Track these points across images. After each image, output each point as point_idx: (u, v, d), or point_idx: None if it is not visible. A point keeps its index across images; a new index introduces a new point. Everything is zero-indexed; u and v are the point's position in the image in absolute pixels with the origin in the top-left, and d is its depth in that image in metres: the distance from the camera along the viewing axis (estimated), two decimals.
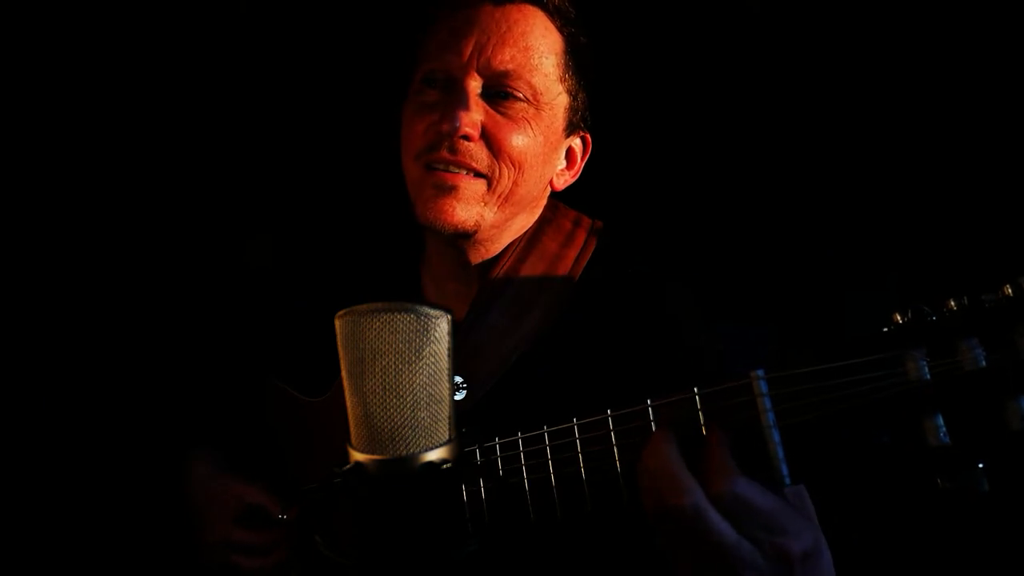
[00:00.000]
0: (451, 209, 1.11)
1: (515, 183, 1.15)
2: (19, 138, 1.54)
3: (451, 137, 1.09)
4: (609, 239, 1.24)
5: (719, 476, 0.72)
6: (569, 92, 1.19)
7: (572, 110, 1.21)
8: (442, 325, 0.69)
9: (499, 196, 1.15)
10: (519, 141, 1.13)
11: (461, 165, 1.11)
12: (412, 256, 1.32)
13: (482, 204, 1.14)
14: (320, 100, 1.64)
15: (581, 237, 1.23)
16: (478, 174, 1.12)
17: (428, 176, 1.12)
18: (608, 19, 1.57)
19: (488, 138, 1.12)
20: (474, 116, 1.10)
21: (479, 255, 1.21)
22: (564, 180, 1.26)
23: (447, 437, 0.70)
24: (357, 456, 0.68)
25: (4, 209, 1.53)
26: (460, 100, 1.09)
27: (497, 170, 1.13)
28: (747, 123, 1.63)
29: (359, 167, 1.50)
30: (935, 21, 1.49)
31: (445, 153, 1.10)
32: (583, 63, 1.20)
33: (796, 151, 1.61)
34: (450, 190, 1.11)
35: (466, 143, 1.10)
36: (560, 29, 1.16)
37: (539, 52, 1.13)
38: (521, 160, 1.14)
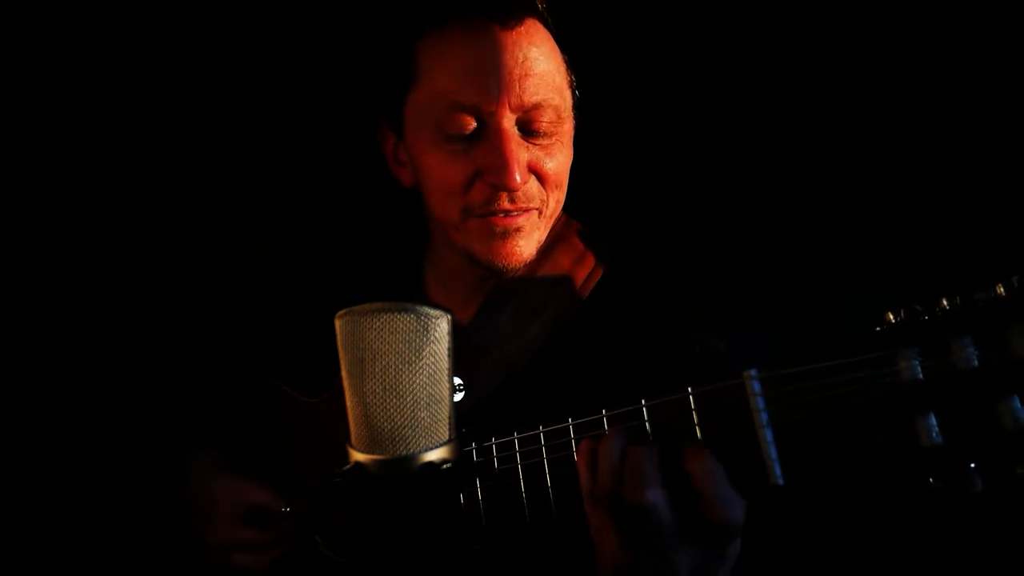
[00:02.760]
0: (518, 251, 1.12)
1: (558, 201, 1.17)
2: (19, 138, 1.55)
3: (510, 191, 1.08)
4: (616, 261, 1.24)
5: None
6: (571, 89, 1.18)
7: (575, 106, 1.20)
8: (442, 325, 0.69)
9: (548, 218, 1.16)
10: (556, 165, 1.13)
11: (520, 210, 1.11)
12: (414, 255, 1.33)
13: (538, 231, 1.15)
14: (320, 99, 1.64)
15: (591, 259, 1.24)
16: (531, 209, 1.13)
17: (484, 224, 1.11)
18: (609, 20, 1.57)
19: (535, 172, 1.11)
20: (523, 161, 1.08)
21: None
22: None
23: (447, 437, 0.70)
24: (357, 456, 0.69)
25: (4, 209, 1.54)
26: (506, 149, 1.05)
27: (547, 198, 1.14)
28: (747, 123, 1.63)
29: (359, 166, 1.50)
30: (935, 21, 1.49)
31: (505, 204, 1.09)
32: (569, 53, 1.18)
33: (796, 151, 1.61)
34: (515, 232, 1.11)
35: (523, 187, 1.09)
36: (551, 32, 1.14)
37: (552, 70, 1.11)
38: (561, 180, 1.15)
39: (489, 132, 1.07)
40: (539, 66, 1.08)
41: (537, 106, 1.08)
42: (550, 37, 1.13)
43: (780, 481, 0.74)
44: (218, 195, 1.64)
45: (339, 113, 1.58)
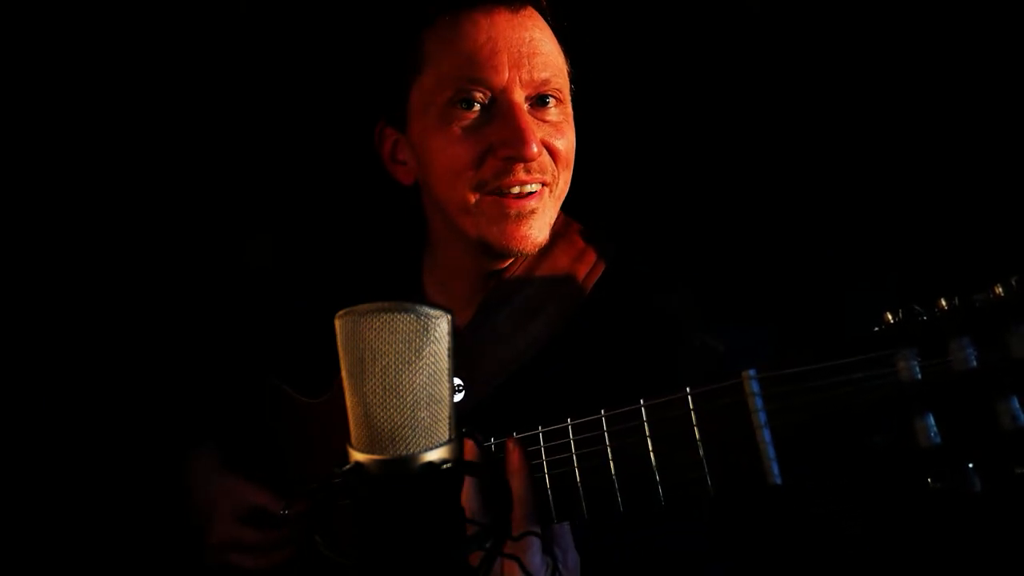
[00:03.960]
0: (532, 234, 1.12)
1: (565, 182, 1.18)
2: (19, 138, 1.55)
3: (526, 161, 1.08)
4: (617, 259, 1.24)
5: None
6: (571, 78, 1.20)
7: (573, 93, 1.22)
8: (442, 325, 0.69)
9: (556, 199, 1.17)
10: (566, 142, 1.15)
11: (536, 182, 1.11)
12: (413, 255, 1.33)
13: (548, 213, 1.15)
14: (320, 99, 1.64)
15: (591, 256, 1.24)
16: (543, 184, 1.14)
17: (498, 205, 1.11)
18: (608, 19, 1.58)
19: (546, 148, 1.12)
20: (537, 133, 1.10)
21: (507, 260, 1.20)
22: None
23: (447, 437, 0.70)
24: (357, 456, 0.68)
25: (5, 209, 1.54)
26: (522, 120, 1.07)
27: (557, 175, 1.15)
28: (747, 123, 1.63)
29: (358, 167, 1.50)
30: (935, 21, 1.49)
31: (521, 175, 1.09)
32: (567, 45, 1.21)
33: (796, 151, 1.61)
34: (529, 214, 1.12)
35: (537, 159, 1.10)
36: (550, 22, 1.17)
37: (555, 52, 1.15)
38: (569, 159, 1.16)
39: (501, 107, 1.09)
40: (545, 47, 1.12)
41: (545, 82, 1.11)
42: (547, 26, 1.16)
43: (778, 481, 0.74)
44: (218, 195, 1.64)
45: (339, 112, 1.58)
